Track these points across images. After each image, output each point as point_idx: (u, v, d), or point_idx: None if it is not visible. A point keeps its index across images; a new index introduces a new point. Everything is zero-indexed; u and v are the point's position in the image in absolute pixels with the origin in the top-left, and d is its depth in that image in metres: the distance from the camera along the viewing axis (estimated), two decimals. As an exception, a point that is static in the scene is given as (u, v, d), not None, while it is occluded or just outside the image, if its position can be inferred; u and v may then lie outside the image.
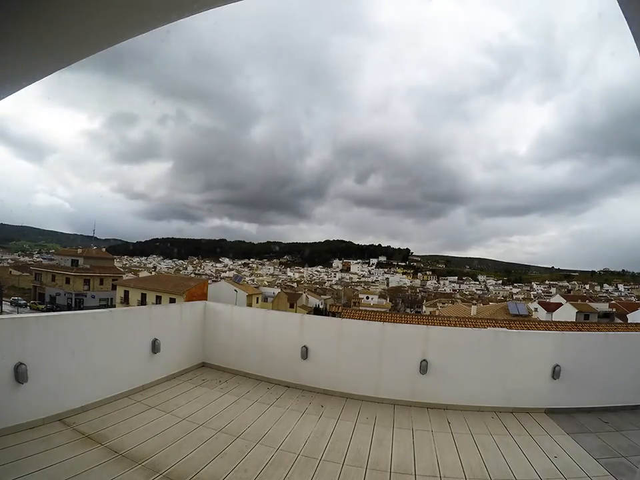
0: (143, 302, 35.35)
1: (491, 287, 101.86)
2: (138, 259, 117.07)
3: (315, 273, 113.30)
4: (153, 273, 61.57)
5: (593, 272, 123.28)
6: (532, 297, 75.80)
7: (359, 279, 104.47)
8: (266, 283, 74.55)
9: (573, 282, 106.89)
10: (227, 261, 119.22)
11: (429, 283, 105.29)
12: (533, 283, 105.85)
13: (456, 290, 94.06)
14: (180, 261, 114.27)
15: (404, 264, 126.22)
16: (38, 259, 76.34)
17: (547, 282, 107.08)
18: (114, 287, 42.60)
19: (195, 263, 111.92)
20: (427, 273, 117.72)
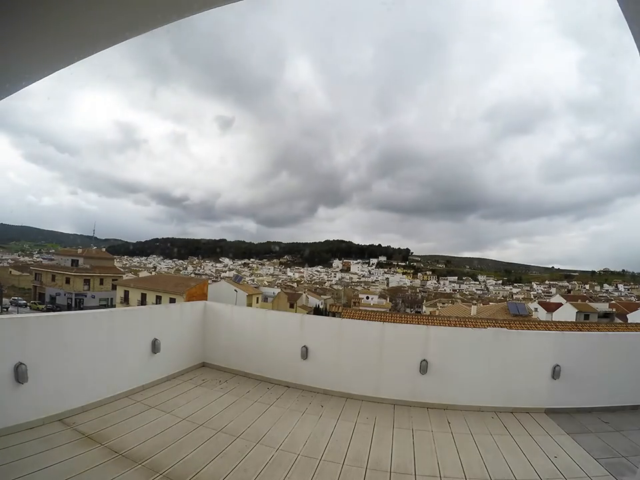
0: (143, 302, 35.35)
1: (491, 287, 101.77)
2: (138, 258, 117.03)
3: (315, 272, 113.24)
4: (153, 273, 61.58)
5: (593, 272, 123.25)
6: (532, 297, 75.76)
7: (359, 278, 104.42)
8: (266, 282, 74.55)
9: (573, 282, 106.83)
10: (227, 260, 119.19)
11: (429, 283, 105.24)
12: (532, 282, 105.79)
13: (456, 290, 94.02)
14: (180, 261, 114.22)
15: (404, 264, 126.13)
16: (38, 259, 76.31)
17: (546, 282, 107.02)
18: (114, 287, 42.60)
19: (195, 262, 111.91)
20: (427, 272, 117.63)
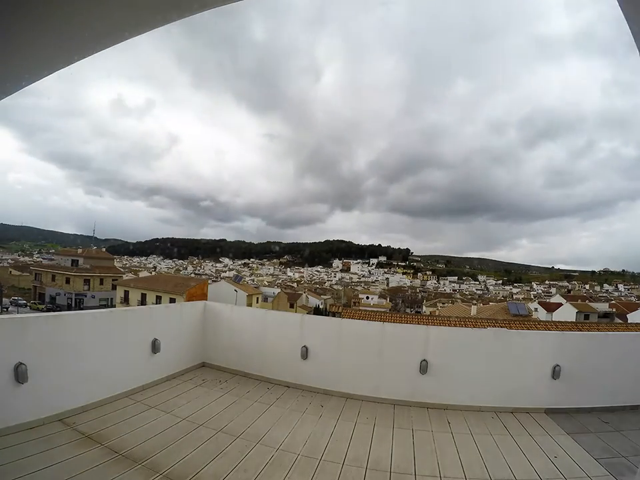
0: (143, 302, 35.36)
1: (491, 287, 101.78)
2: (138, 258, 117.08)
3: (315, 273, 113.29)
4: (153, 273, 61.57)
5: (593, 272, 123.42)
6: (532, 297, 75.74)
7: (359, 279, 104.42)
8: (266, 282, 74.54)
9: (573, 282, 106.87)
10: (227, 261, 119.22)
11: (428, 282, 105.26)
12: (532, 282, 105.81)
13: (456, 290, 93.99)
14: (180, 261, 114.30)
15: (404, 264, 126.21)
16: (38, 259, 76.32)
17: (546, 282, 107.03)
18: (114, 287, 42.62)
19: (195, 263, 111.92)
20: (427, 272, 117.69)
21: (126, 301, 37.78)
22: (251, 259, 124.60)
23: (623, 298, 72.70)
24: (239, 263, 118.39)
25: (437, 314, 35.56)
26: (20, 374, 3.18)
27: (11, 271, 61.07)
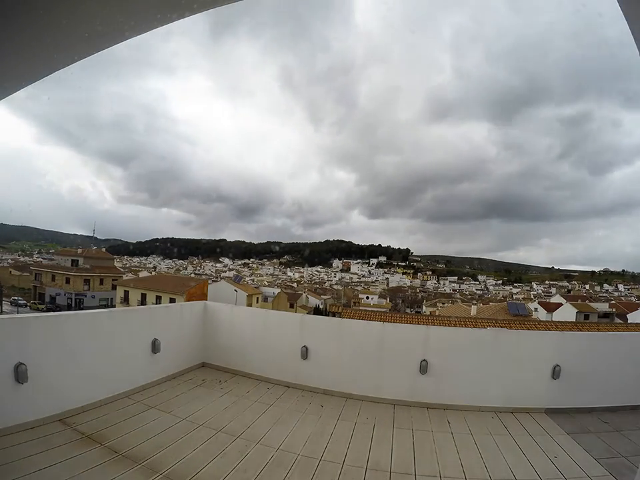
0: (143, 302, 35.40)
1: (491, 287, 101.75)
2: (138, 258, 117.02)
3: (315, 273, 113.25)
4: (153, 273, 61.61)
5: (593, 272, 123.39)
6: (532, 297, 75.76)
7: (359, 279, 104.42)
8: (266, 282, 74.55)
9: (573, 282, 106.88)
10: (226, 261, 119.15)
11: (429, 283, 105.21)
12: (532, 283, 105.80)
13: (456, 290, 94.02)
14: (180, 261, 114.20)
15: (404, 264, 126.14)
16: (38, 259, 76.28)
17: (546, 282, 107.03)
18: (114, 287, 42.66)
19: (195, 263, 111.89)
20: (427, 272, 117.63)
21: (126, 301, 37.80)
22: (251, 259, 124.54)
23: (623, 298, 72.72)
24: (239, 263, 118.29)
25: (437, 314, 35.58)
26: (20, 374, 3.18)
27: (10, 271, 61.03)
